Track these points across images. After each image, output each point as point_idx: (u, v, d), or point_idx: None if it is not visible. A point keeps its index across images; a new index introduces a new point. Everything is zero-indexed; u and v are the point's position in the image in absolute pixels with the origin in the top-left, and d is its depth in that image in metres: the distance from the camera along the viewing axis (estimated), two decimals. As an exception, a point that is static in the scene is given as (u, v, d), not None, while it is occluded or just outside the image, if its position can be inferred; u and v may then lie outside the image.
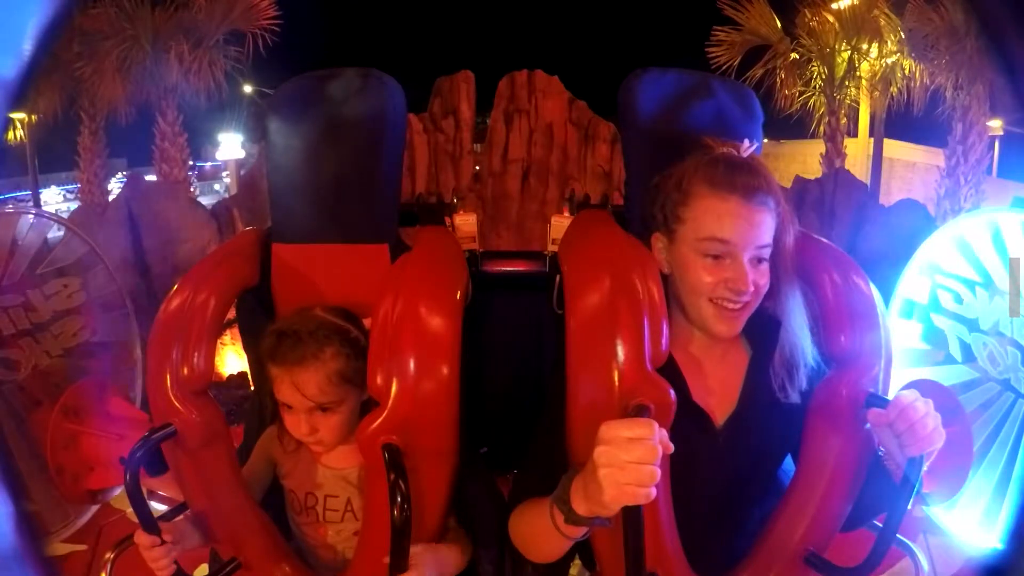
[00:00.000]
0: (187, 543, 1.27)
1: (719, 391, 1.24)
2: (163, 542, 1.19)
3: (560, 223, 1.85)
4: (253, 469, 1.42)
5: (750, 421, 1.23)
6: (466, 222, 1.87)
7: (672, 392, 1.10)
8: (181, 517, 1.33)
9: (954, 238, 2.79)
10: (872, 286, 1.27)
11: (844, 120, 9.25)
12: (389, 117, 1.47)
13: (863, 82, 9.18)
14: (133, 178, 6.45)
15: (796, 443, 1.25)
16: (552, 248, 1.85)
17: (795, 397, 1.22)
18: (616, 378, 1.10)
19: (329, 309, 1.36)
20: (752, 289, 1.14)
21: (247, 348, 1.54)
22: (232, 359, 5.85)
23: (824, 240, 1.31)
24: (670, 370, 1.17)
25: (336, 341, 1.30)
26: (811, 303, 1.26)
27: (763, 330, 1.24)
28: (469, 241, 1.83)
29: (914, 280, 2.94)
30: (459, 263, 1.39)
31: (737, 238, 1.14)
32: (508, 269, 1.95)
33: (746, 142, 1.22)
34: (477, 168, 7.77)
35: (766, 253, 1.17)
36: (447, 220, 1.80)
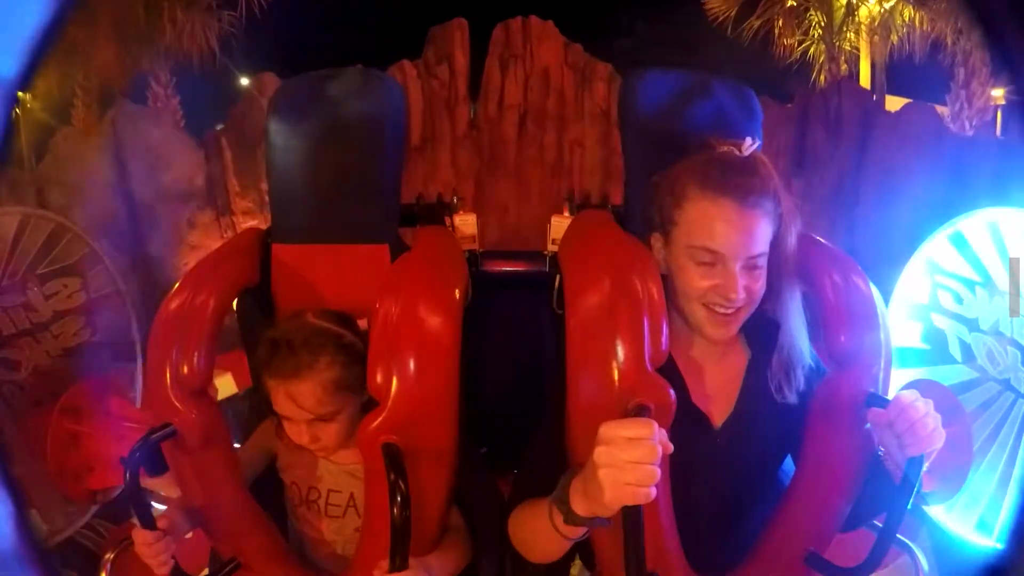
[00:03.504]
0: (180, 531, 1.27)
1: (718, 393, 1.24)
2: (162, 533, 1.19)
3: (560, 223, 1.85)
4: (247, 456, 1.41)
5: (749, 422, 1.23)
6: (466, 222, 1.87)
7: (672, 392, 1.09)
8: (170, 505, 1.33)
9: (954, 237, 2.79)
10: (872, 286, 1.27)
11: (844, 67, 9.04)
12: (389, 117, 1.47)
13: (863, 27, 8.93)
14: (121, 103, 6.20)
15: (796, 444, 1.25)
16: (552, 248, 1.86)
17: (793, 398, 1.22)
18: (616, 378, 1.10)
19: (322, 314, 1.33)
20: (743, 296, 1.13)
21: (247, 348, 1.54)
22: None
23: (824, 241, 1.31)
24: (670, 371, 1.16)
25: (330, 349, 1.27)
26: (811, 304, 1.25)
27: (762, 332, 1.24)
28: (469, 241, 1.84)
29: (914, 280, 2.94)
30: (459, 263, 1.39)
31: (727, 248, 1.12)
32: (508, 269, 1.95)
33: (748, 140, 1.19)
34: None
35: (761, 260, 1.15)
36: (447, 220, 1.80)
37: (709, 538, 1.25)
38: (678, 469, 1.11)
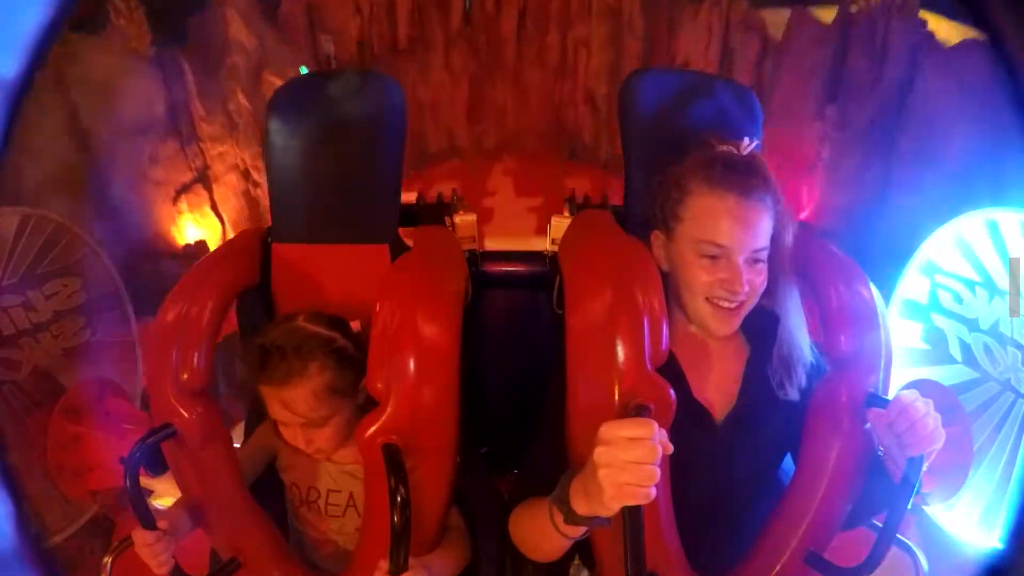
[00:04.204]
0: (182, 531, 1.27)
1: (719, 388, 1.25)
2: (163, 533, 1.19)
3: (560, 223, 1.85)
4: (248, 455, 1.41)
5: (750, 418, 1.24)
6: (466, 222, 1.87)
7: (672, 392, 1.10)
8: (172, 505, 1.33)
9: (954, 237, 2.79)
10: (872, 287, 1.28)
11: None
12: (388, 117, 1.47)
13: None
14: (61, 34, 5.62)
15: (796, 441, 1.26)
16: (552, 248, 1.85)
17: (794, 394, 1.23)
18: (616, 378, 1.10)
19: (312, 318, 1.31)
20: (747, 289, 1.15)
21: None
22: (190, 228, 5.09)
23: (825, 241, 1.32)
24: (670, 367, 1.17)
25: (321, 354, 1.26)
26: (811, 304, 1.26)
27: (761, 328, 1.24)
28: (469, 241, 1.84)
29: (914, 280, 2.94)
30: (459, 263, 1.39)
31: (733, 242, 1.14)
32: (508, 269, 1.95)
33: (746, 140, 1.22)
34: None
35: (763, 255, 1.17)
36: (447, 220, 1.81)
37: (710, 537, 1.25)
38: (680, 464, 1.11)
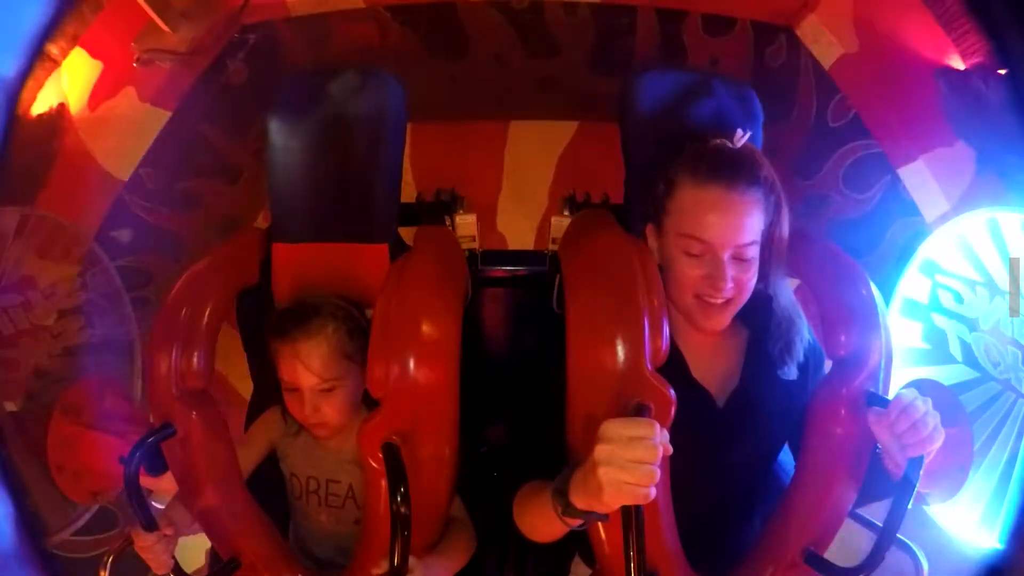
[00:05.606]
0: (182, 530, 1.28)
1: (719, 370, 1.25)
2: (163, 535, 1.20)
3: (560, 223, 1.85)
4: (248, 445, 1.42)
5: (751, 398, 1.24)
6: (466, 222, 1.87)
7: (672, 392, 1.10)
8: (172, 502, 1.33)
9: (954, 237, 2.79)
10: (872, 285, 1.28)
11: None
12: (389, 116, 1.47)
13: None
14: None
15: (795, 428, 1.26)
16: (552, 247, 1.86)
17: (793, 372, 1.23)
18: (616, 378, 1.10)
19: (331, 294, 1.38)
20: (731, 286, 1.15)
21: (247, 348, 1.55)
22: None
23: (824, 239, 1.32)
24: (670, 353, 1.17)
25: (339, 317, 1.33)
26: (810, 303, 1.26)
27: (758, 310, 1.25)
28: (469, 241, 1.84)
29: (914, 279, 2.94)
30: (459, 263, 1.39)
31: (715, 237, 1.14)
32: (508, 269, 1.95)
33: (739, 132, 1.21)
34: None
35: (750, 251, 1.16)
36: (447, 219, 1.81)
37: (710, 534, 1.25)
38: (683, 449, 1.11)
